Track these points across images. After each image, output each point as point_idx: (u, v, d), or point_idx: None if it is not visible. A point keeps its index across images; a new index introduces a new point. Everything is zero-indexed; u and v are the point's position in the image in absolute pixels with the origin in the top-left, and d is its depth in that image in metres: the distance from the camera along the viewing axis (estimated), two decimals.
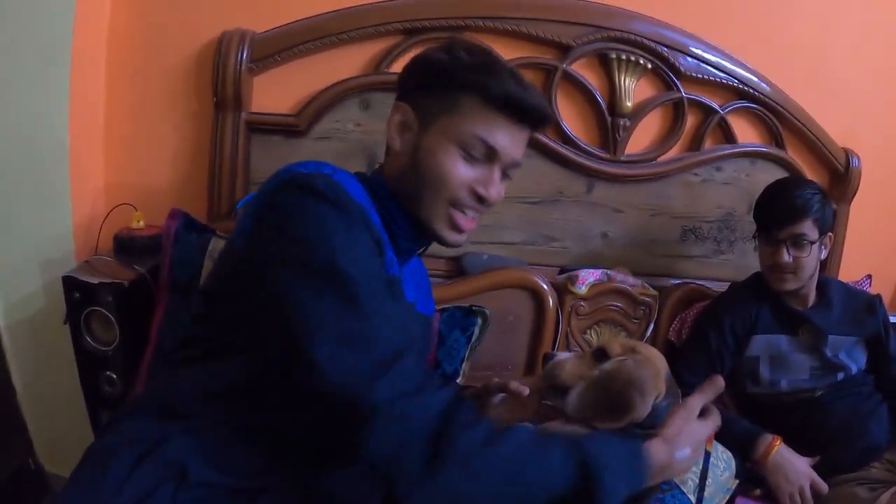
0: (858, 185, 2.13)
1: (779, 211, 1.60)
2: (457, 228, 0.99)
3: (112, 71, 1.73)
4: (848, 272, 2.18)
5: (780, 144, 2.05)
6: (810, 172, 2.10)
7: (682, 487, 1.25)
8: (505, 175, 1.00)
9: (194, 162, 1.77)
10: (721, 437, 1.58)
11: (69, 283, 1.45)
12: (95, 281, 1.43)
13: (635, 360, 1.03)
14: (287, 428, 0.86)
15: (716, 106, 1.95)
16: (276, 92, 1.74)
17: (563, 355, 1.10)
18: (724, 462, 1.37)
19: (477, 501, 0.76)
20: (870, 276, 2.13)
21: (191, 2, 1.72)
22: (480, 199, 0.97)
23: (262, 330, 0.85)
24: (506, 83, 0.93)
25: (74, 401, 1.67)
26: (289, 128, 1.71)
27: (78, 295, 1.45)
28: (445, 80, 0.96)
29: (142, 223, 1.66)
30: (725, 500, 1.36)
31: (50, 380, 1.75)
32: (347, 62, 1.74)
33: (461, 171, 0.95)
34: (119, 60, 1.73)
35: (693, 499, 1.25)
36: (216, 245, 1.48)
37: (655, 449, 0.87)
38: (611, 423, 0.99)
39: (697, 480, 1.28)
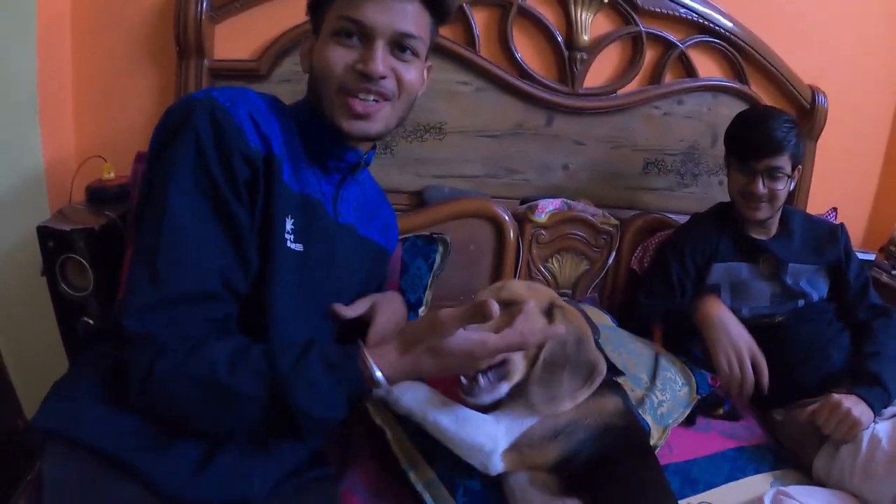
0: (825, 123, 2.16)
1: (757, 142, 1.62)
2: (355, 115, 0.98)
3: (77, 27, 1.76)
4: (815, 207, 2.23)
5: (743, 80, 2.08)
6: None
7: (638, 406, 1.33)
8: (400, 50, 1.00)
9: (160, 111, 1.77)
10: (671, 324, 1.66)
11: (43, 231, 1.49)
12: (68, 228, 1.48)
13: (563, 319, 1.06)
14: None
15: (675, 40, 1.97)
16: (237, 39, 1.77)
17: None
18: (682, 379, 1.45)
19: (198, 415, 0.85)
20: (835, 209, 2.17)
21: None
22: (365, 77, 0.96)
23: None
24: None
25: (59, 359, 1.72)
26: (250, 73, 1.74)
27: (52, 243, 1.49)
28: None
29: (112, 174, 1.70)
30: (685, 415, 1.44)
31: (31, 337, 1.80)
32: (304, 7, 1.76)
33: (338, 56, 0.96)
34: (83, 16, 1.75)
35: (649, 419, 1.32)
36: None
37: (381, 354, 0.89)
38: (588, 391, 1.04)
39: (655, 398, 1.36)
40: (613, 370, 1.24)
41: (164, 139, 0.90)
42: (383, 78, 0.98)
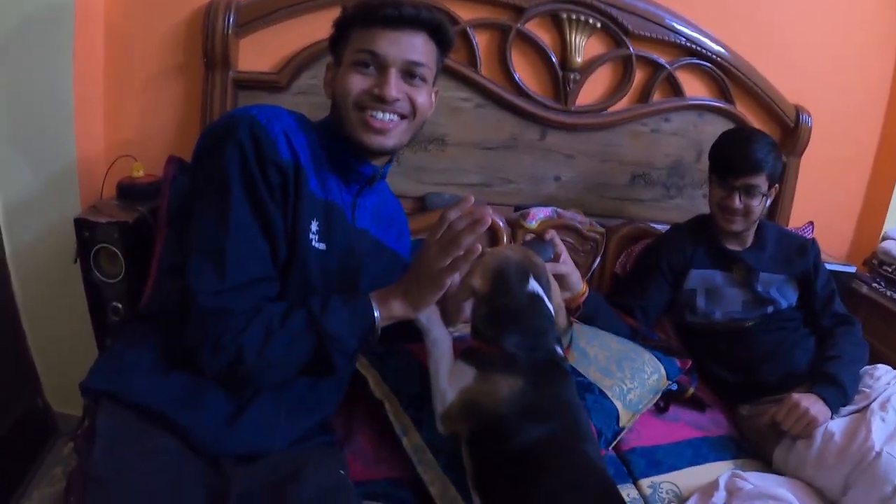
0: (808, 140, 2.28)
1: (737, 161, 1.75)
2: (373, 129, 1.14)
3: (110, 37, 1.92)
4: (797, 219, 2.37)
5: (729, 99, 2.21)
6: (760, 126, 2.22)
7: (607, 392, 1.47)
8: (410, 77, 1.15)
9: (187, 116, 1.97)
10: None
11: (80, 223, 1.66)
12: (103, 220, 1.65)
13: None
14: None
15: (663, 62, 2.12)
16: (260, 52, 1.93)
17: None
18: (651, 367, 1.59)
19: (262, 368, 1.04)
20: (811, 223, 2.30)
21: None
22: (381, 99, 1.12)
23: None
24: (377, 3, 1.12)
25: (81, 342, 1.88)
26: (271, 84, 1.90)
27: (87, 234, 1.66)
28: (340, 29, 1.17)
29: (141, 172, 1.86)
30: (654, 400, 1.58)
31: (57, 322, 1.96)
32: (322, 25, 1.84)
33: (356, 81, 1.13)
34: (117, 27, 1.91)
35: (618, 404, 1.46)
36: None
37: (381, 298, 1.10)
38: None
39: (624, 385, 1.50)
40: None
41: (211, 149, 1.07)
42: (397, 101, 1.14)
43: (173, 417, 1.00)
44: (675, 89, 2.17)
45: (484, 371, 1.11)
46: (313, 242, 1.12)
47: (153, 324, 1.11)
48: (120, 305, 1.72)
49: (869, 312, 2.23)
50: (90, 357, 1.77)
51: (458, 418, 1.11)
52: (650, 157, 2.20)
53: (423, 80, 1.18)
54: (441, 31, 1.18)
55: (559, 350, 1.17)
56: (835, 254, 2.53)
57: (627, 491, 1.38)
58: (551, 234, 1.48)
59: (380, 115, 1.14)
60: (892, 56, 2.41)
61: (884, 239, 2.40)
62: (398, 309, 1.09)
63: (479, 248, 1.02)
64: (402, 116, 1.17)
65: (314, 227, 1.12)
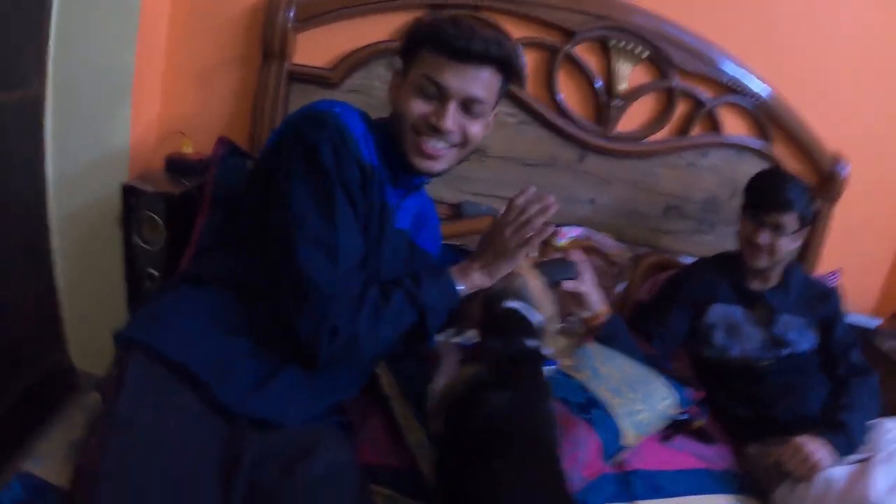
0: (843, 189, 2.28)
1: (770, 198, 1.78)
2: (421, 153, 1.21)
3: (174, 23, 2.02)
4: (826, 266, 2.36)
5: (768, 139, 2.23)
6: (796, 169, 2.24)
7: (614, 410, 1.49)
8: (468, 111, 1.21)
9: (241, 102, 2.06)
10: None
11: (128, 189, 1.75)
12: (151, 190, 1.73)
13: None
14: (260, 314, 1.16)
15: (705, 98, 2.15)
16: (316, 48, 2.01)
17: None
18: (664, 393, 1.61)
19: (371, 347, 1.14)
20: (838, 271, 2.30)
21: None
22: (436, 129, 1.19)
23: (261, 225, 1.16)
24: (449, 33, 1.16)
25: (112, 306, 1.97)
26: (324, 79, 1.98)
27: (134, 200, 1.75)
28: (411, 43, 1.23)
29: (190, 149, 1.95)
30: (664, 425, 1.60)
31: (92, 285, 2.04)
32: (379, 28, 2.00)
33: (417, 106, 1.19)
34: (182, 14, 2.01)
35: (624, 423, 1.48)
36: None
37: (461, 272, 1.23)
38: None
39: (633, 406, 1.52)
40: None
41: (297, 141, 1.14)
42: (451, 132, 1.20)
43: (202, 377, 1.05)
44: (715, 125, 2.20)
45: (462, 365, 1.24)
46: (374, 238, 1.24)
47: (197, 289, 1.18)
48: (156, 273, 1.80)
49: (888, 369, 2.19)
50: (118, 321, 1.87)
51: (437, 411, 1.19)
52: (685, 190, 2.23)
53: (481, 114, 1.24)
54: (508, 64, 1.24)
55: (537, 349, 1.22)
56: (862, 306, 2.50)
57: None
58: (575, 255, 1.55)
59: (433, 142, 1.21)
60: None
61: None
62: (478, 279, 1.24)
63: (550, 228, 1.21)
64: (454, 145, 1.24)
65: (375, 222, 1.24)
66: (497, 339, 1.20)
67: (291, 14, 1.92)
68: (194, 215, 1.75)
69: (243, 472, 1.01)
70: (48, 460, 1.12)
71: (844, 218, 2.36)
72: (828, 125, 2.27)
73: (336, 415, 1.25)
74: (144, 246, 1.77)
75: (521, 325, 1.22)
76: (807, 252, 2.31)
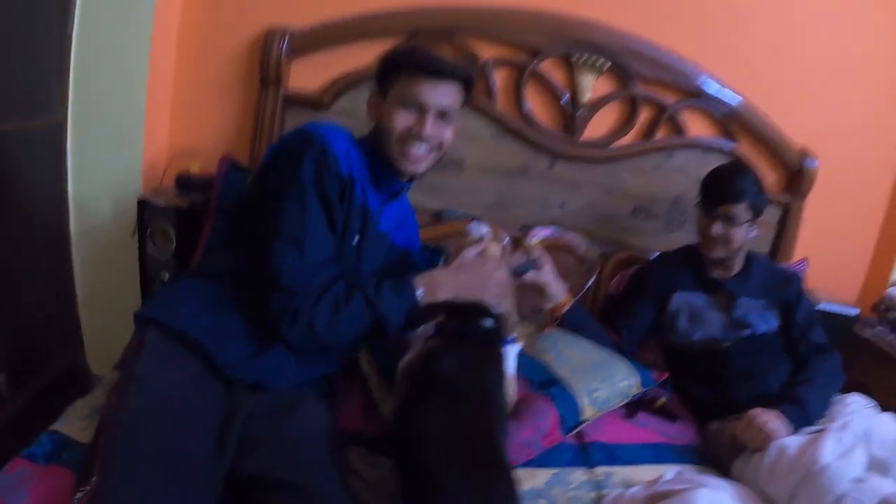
0: (812, 184, 2.43)
1: (720, 190, 1.93)
2: (408, 158, 1.44)
3: (182, 51, 2.26)
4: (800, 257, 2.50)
5: (733, 139, 2.39)
6: (764, 167, 2.41)
7: (572, 387, 1.66)
8: (442, 118, 1.44)
9: (241, 124, 2.29)
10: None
11: (142, 204, 1.98)
12: (163, 204, 1.96)
13: None
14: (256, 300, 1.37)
15: (667, 103, 2.32)
16: (308, 74, 2.23)
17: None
18: (624, 373, 1.77)
19: (328, 336, 1.32)
20: (805, 260, 2.45)
21: (246, 2, 2.24)
22: (419, 136, 1.41)
23: (257, 226, 1.37)
24: (423, 57, 1.40)
25: (125, 312, 2.11)
26: (315, 103, 2.21)
27: (148, 214, 1.98)
28: (389, 67, 1.45)
29: (197, 167, 2.17)
30: (622, 402, 1.75)
31: (107, 292, 2.25)
32: (363, 54, 2.20)
33: (402, 118, 1.42)
34: (188, 43, 2.25)
35: (583, 400, 1.65)
36: None
37: (422, 280, 1.40)
38: None
39: (591, 385, 1.70)
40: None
41: (288, 156, 1.36)
42: (431, 137, 1.43)
43: (205, 344, 1.27)
44: (678, 128, 2.37)
45: (426, 343, 1.42)
46: (354, 238, 1.44)
47: (200, 280, 1.42)
48: (168, 275, 2.03)
49: (868, 356, 2.35)
50: (132, 326, 2.11)
51: (402, 381, 1.40)
52: (652, 191, 2.40)
53: (452, 120, 1.46)
54: (469, 80, 1.47)
55: (493, 329, 1.43)
56: (845, 296, 2.63)
57: (578, 474, 1.54)
58: (536, 251, 1.76)
59: (416, 148, 1.43)
60: None
61: (893, 284, 2.52)
62: (441, 293, 1.41)
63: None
64: (432, 149, 1.47)
65: (356, 225, 1.44)
66: (456, 319, 1.40)
67: (285, 44, 2.15)
68: (200, 226, 1.97)
69: (237, 424, 1.22)
70: (73, 420, 1.35)
71: (821, 212, 2.50)
72: (794, 121, 2.42)
73: (322, 385, 1.45)
74: (157, 254, 1.99)
75: (479, 309, 1.42)
76: (781, 244, 2.48)
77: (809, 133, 2.45)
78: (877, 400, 1.89)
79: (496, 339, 1.43)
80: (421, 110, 1.42)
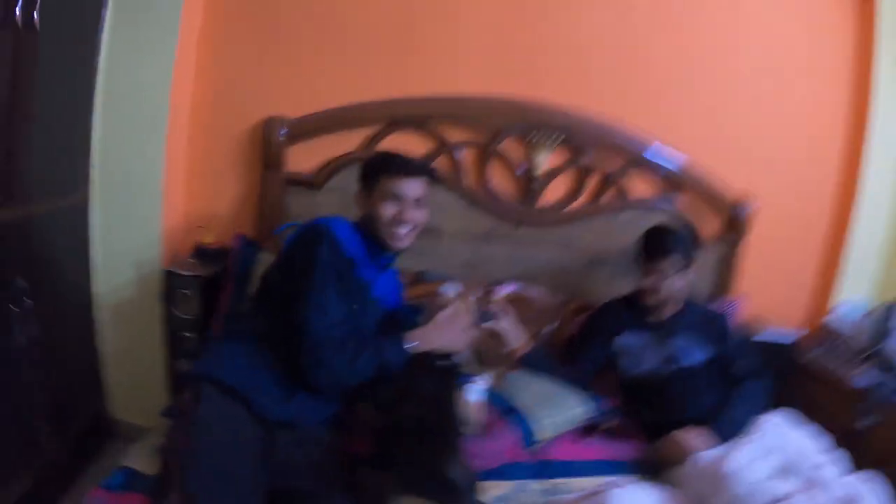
0: (749, 226, 2.73)
1: (651, 249, 2.28)
2: (396, 238, 1.88)
3: (193, 138, 2.60)
4: (748, 292, 2.83)
5: (672, 195, 2.75)
6: (701, 215, 2.76)
7: (527, 415, 2.00)
8: (417, 205, 1.89)
9: (248, 199, 2.66)
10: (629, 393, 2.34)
11: (169, 273, 2.35)
12: (187, 273, 2.34)
13: None
14: (284, 355, 1.75)
15: (613, 170, 2.70)
16: (304, 157, 2.60)
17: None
18: (578, 402, 2.13)
19: (348, 378, 1.73)
20: (737, 299, 2.77)
21: (247, 94, 2.59)
22: (402, 221, 1.86)
23: (283, 298, 1.77)
24: (398, 162, 1.86)
25: (147, 365, 2.52)
26: (311, 183, 2.58)
27: (173, 282, 2.34)
28: (372, 172, 1.91)
29: (210, 238, 2.54)
30: (573, 426, 2.11)
31: (130, 348, 2.56)
32: (351, 140, 2.62)
33: (387, 210, 1.86)
34: (199, 130, 2.61)
35: (536, 426, 1.99)
36: (262, 255, 2.39)
37: (413, 336, 1.81)
38: None
39: (544, 412, 2.04)
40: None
41: (305, 245, 1.78)
42: (411, 220, 1.88)
43: (249, 396, 1.64)
44: (623, 191, 2.74)
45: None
46: (354, 305, 1.83)
47: (238, 343, 1.79)
48: (189, 335, 2.38)
49: (806, 377, 2.68)
50: (153, 375, 2.49)
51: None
52: (604, 245, 2.73)
53: (424, 204, 1.92)
54: (433, 173, 1.98)
55: (449, 367, 1.86)
56: (791, 323, 2.93)
57: (535, 485, 1.87)
58: (494, 306, 2.15)
59: (400, 230, 1.88)
60: (838, 144, 2.84)
61: (831, 312, 2.85)
62: (423, 344, 1.82)
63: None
64: (413, 228, 1.90)
65: (356, 294, 1.84)
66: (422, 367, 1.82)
67: (283, 132, 2.53)
68: (218, 290, 2.34)
69: (275, 454, 1.61)
70: (139, 458, 1.70)
71: (766, 249, 2.82)
72: (737, 172, 2.75)
73: (333, 420, 1.83)
74: (182, 316, 2.35)
75: (440, 356, 1.85)
76: (723, 281, 2.81)
77: (749, 177, 2.76)
78: (809, 416, 2.15)
79: (453, 373, 1.88)
80: (403, 202, 1.86)
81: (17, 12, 1.73)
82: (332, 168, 2.59)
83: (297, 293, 1.72)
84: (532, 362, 2.20)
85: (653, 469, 2.03)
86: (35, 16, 1.81)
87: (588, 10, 2.66)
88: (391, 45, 2.60)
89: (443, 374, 1.82)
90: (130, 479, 1.61)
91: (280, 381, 1.71)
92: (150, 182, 2.46)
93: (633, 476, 1.95)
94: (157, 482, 1.55)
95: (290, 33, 2.57)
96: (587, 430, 2.17)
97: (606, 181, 2.74)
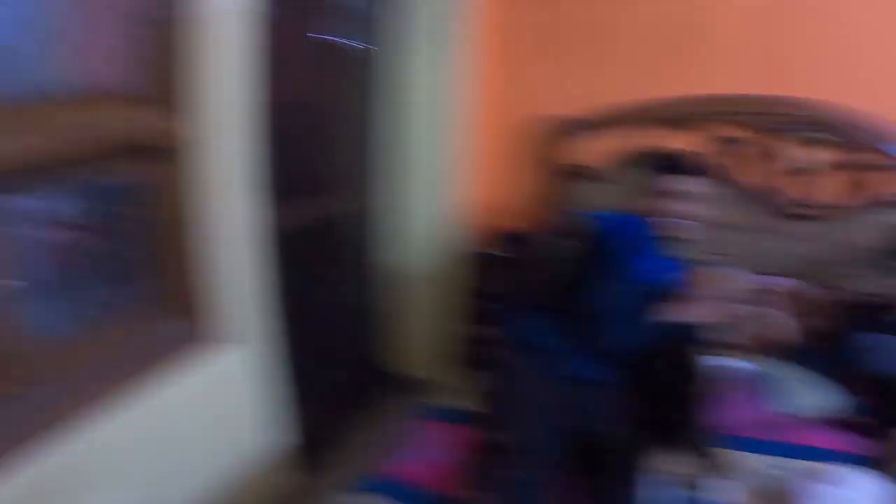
0: None
1: None
2: (676, 231, 2.03)
3: (487, 131, 3.09)
4: None
5: None
6: None
7: (779, 392, 2.28)
8: (695, 199, 2.02)
9: (537, 190, 3.10)
10: None
11: (483, 255, 2.96)
12: (495, 254, 2.94)
13: None
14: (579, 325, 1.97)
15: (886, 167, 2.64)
16: (582, 151, 2.99)
17: None
18: (829, 391, 2.31)
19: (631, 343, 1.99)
20: None
21: (536, 98, 3.07)
22: (681, 215, 2.02)
23: (582, 281, 1.99)
24: (674, 160, 2.09)
25: (437, 328, 3.07)
26: (589, 175, 2.97)
27: (483, 261, 2.95)
28: (651, 167, 2.12)
29: (509, 224, 3.07)
30: (817, 416, 2.24)
31: (428, 313, 3.07)
32: (631, 137, 2.88)
33: (668, 205, 2.03)
34: (497, 129, 3.14)
35: (783, 405, 2.23)
36: (556, 239, 2.81)
37: (677, 308, 1.95)
38: None
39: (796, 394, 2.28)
40: None
41: (599, 235, 2.03)
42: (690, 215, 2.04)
43: (553, 355, 1.97)
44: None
45: None
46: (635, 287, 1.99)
47: (541, 312, 2.07)
48: (493, 306, 2.80)
49: None
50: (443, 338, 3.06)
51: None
52: (875, 243, 2.70)
53: (702, 199, 2.04)
54: (709, 172, 2.14)
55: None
56: None
57: (770, 460, 2.02)
58: (765, 295, 2.40)
59: (679, 223, 2.05)
60: None
61: None
62: (691, 316, 1.97)
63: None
64: (690, 222, 2.04)
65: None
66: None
67: (570, 129, 2.98)
68: (519, 269, 2.83)
69: (574, 406, 1.93)
70: (462, 399, 2.29)
71: None
72: None
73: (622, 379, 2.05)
74: (490, 291, 2.87)
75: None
76: None
77: None
78: None
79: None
80: (679, 197, 1.99)
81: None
82: (615, 162, 2.90)
83: (591, 274, 1.94)
84: (795, 353, 2.43)
85: (891, 468, 1.96)
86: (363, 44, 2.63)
87: (857, 7, 2.67)
88: (664, 50, 2.87)
89: (696, 345, 2.02)
90: (455, 414, 2.16)
91: (576, 345, 1.95)
92: (456, 177, 2.99)
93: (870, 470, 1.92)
94: (478, 418, 2.01)
95: (574, 46, 3.00)
96: (833, 422, 2.21)
97: (879, 178, 2.73)
